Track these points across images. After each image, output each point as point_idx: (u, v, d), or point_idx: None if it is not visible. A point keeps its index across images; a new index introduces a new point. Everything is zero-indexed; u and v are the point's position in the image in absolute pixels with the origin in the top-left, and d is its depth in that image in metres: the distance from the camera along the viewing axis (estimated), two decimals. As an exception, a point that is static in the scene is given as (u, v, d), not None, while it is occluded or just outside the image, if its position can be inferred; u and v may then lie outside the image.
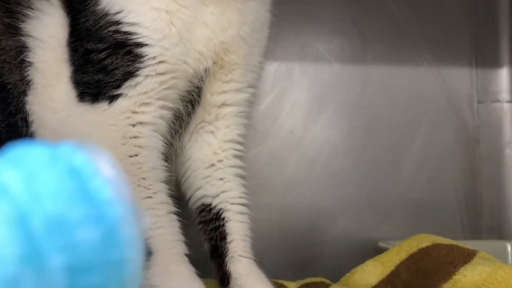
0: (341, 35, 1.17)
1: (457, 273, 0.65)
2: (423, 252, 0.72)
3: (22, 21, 0.70)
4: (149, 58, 0.68)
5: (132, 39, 0.67)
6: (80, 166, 0.25)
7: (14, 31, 0.70)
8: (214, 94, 0.78)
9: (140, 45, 0.67)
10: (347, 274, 0.83)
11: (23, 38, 0.69)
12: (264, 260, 0.97)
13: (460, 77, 1.20)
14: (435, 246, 0.71)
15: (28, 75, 0.68)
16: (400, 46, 1.18)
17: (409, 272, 0.71)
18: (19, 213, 0.23)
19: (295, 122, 1.14)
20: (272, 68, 1.14)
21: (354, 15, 1.17)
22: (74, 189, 0.24)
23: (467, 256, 0.66)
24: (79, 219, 0.23)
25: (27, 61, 0.69)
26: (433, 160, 1.18)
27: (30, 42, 0.69)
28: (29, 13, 0.71)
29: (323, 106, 1.15)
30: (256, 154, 1.10)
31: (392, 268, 0.74)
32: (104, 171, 0.25)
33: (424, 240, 0.74)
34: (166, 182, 0.71)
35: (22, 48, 0.69)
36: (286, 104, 1.14)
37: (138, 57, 0.68)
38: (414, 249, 0.74)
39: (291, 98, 1.14)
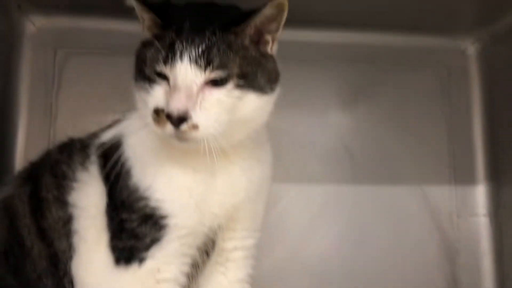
0: (334, 158, 1.32)
1: None
2: None
3: (69, 194, 0.85)
4: (172, 227, 0.82)
5: (159, 212, 0.82)
6: None
7: (62, 203, 0.85)
8: (225, 240, 0.92)
9: (165, 217, 0.82)
10: None
11: (69, 209, 0.84)
12: None
13: (440, 194, 1.35)
14: None
15: (73, 242, 0.83)
16: (387, 167, 1.34)
17: None
18: None
19: (293, 238, 1.28)
20: (272, 188, 1.28)
21: (345, 140, 1.33)
22: None
23: None
24: None
25: (73, 229, 0.84)
26: (418, 270, 1.31)
27: (75, 212, 0.84)
28: (74, 185, 0.86)
29: (318, 223, 1.29)
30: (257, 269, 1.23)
31: None
32: None
33: None
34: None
35: (69, 218, 0.84)
36: (286, 222, 1.28)
37: (163, 226, 0.82)
38: None
39: (289, 216, 1.29)
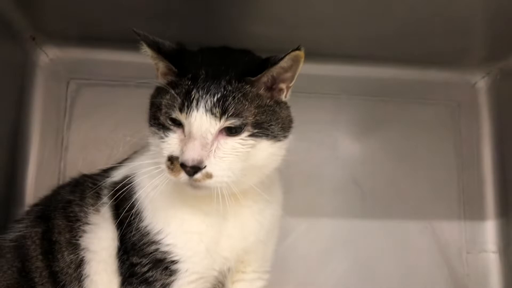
0: (344, 192, 1.32)
1: None
2: None
3: (81, 237, 0.85)
4: (182, 272, 0.82)
5: (170, 257, 0.82)
6: None
7: (74, 246, 0.85)
8: (234, 283, 0.92)
9: (176, 261, 0.82)
10: None
11: (81, 252, 0.84)
12: None
13: (450, 229, 1.34)
14: None
15: (85, 287, 0.83)
16: (396, 201, 1.33)
17: None
18: None
19: (302, 272, 1.27)
20: (281, 222, 1.28)
21: (355, 174, 1.33)
22: None
23: None
24: None
25: (84, 273, 0.83)
26: (427, 306, 1.30)
27: (86, 255, 0.84)
28: (86, 228, 0.86)
29: (327, 258, 1.29)
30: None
31: None
32: None
33: None
34: None
35: (80, 262, 0.84)
36: (294, 256, 1.27)
37: (174, 271, 0.82)
38: None
39: (298, 250, 1.28)
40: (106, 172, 0.96)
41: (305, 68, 1.30)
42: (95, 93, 1.26)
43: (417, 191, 1.34)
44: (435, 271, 1.31)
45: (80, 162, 1.22)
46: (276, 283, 1.24)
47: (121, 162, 0.98)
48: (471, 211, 1.35)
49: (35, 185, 1.20)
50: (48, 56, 1.25)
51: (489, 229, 1.35)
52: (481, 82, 1.42)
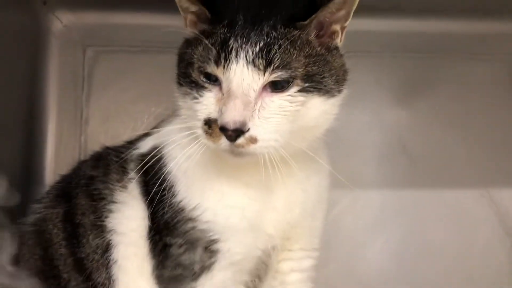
0: (391, 161, 1.20)
1: None
2: None
3: (106, 218, 0.75)
4: (223, 252, 0.72)
5: (208, 236, 0.71)
6: None
7: (99, 229, 0.75)
8: (280, 262, 0.82)
9: (215, 241, 0.72)
10: None
11: (108, 235, 0.74)
12: None
13: (509, 197, 1.21)
14: None
15: (113, 274, 0.73)
16: (449, 168, 1.21)
17: None
18: None
19: (348, 249, 1.17)
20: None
21: (402, 140, 1.21)
22: None
23: None
24: None
25: (112, 259, 0.74)
26: (487, 280, 1.18)
27: (114, 238, 0.74)
28: (112, 207, 0.76)
29: (375, 233, 1.18)
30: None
31: None
32: None
33: None
34: None
35: (107, 246, 0.74)
36: (339, 232, 1.17)
37: (214, 252, 0.72)
38: None
39: (344, 225, 1.17)
40: (131, 143, 0.85)
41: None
42: (114, 60, 1.16)
43: (472, 156, 1.21)
44: (495, 242, 1.19)
45: (102, 136, 1.12)
46: (319, 263, 1.14)
47: (147, 133, 0.87)
48: (533, 176, 1.22)
49: (55, 162, 1.12)
50: (62, 22, 1.15)
51: (554, 196, 1.22)
52: (541, 33, 1.27)
